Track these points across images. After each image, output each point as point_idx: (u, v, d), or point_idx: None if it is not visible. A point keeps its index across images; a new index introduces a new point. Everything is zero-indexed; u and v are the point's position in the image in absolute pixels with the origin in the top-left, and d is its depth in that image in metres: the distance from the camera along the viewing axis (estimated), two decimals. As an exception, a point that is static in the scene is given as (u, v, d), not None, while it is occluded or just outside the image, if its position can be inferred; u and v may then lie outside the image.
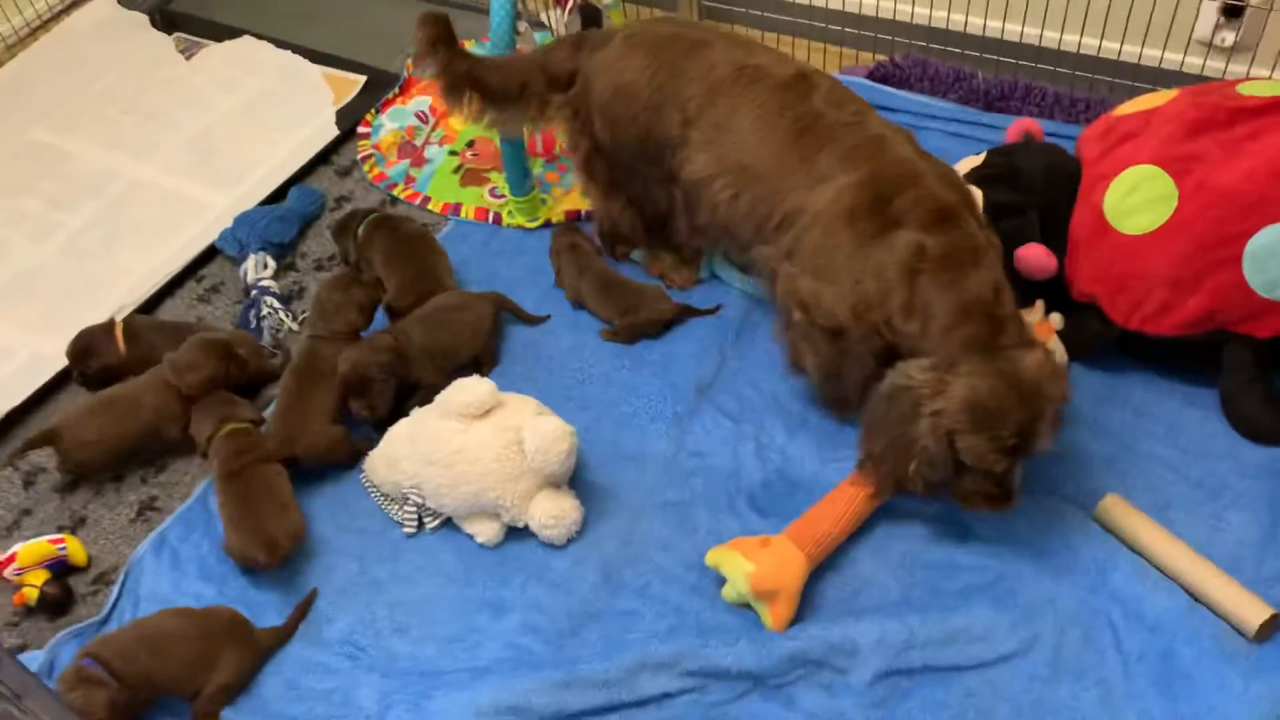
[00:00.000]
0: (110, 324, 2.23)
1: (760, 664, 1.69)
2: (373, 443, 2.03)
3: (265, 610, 1.88)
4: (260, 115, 2.92)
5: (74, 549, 1.98)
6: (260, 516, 1.88)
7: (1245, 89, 1.98)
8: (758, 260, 1.97)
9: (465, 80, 2.15)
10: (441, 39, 2.13)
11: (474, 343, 2.17)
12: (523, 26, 2.43)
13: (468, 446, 1.86)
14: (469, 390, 1.88)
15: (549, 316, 2.31)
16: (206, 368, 2.07)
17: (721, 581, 1.83)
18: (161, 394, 2.08)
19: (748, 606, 1.79)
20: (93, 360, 2.19)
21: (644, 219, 2.22)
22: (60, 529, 2.06)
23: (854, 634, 1.71)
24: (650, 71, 2.02)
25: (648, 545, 1.91)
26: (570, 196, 2.55)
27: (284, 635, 1.83)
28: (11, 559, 1.92)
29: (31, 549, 1.93)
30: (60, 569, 1.97)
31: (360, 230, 2.35)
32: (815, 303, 1.85)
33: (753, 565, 1.73)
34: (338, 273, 2.22)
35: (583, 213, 2.51)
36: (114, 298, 2.47)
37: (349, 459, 2.07)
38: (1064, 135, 2.38)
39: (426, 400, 2.02)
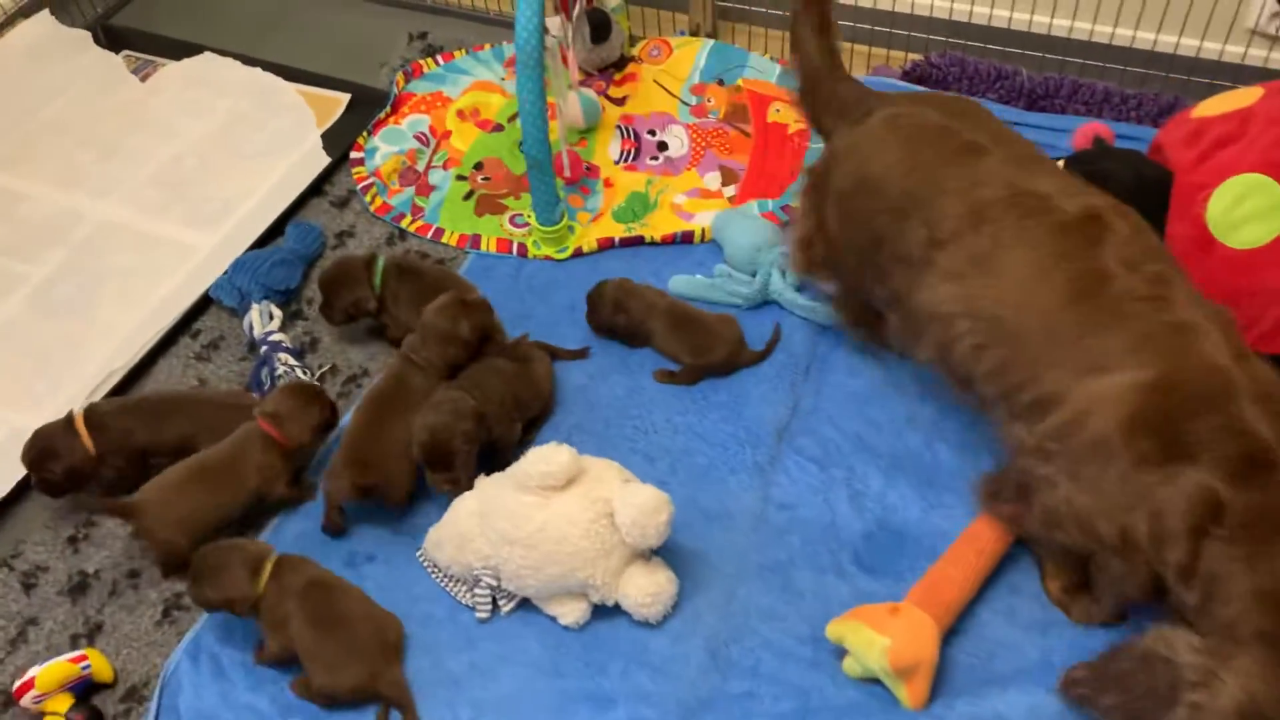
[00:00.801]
0: (69, 419, 1.94)
1: (906, 749, 1.55)
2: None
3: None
4: (236, 142, 2.65)
5: (99, 665, 1.74)
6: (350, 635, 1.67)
7: (1338, 86, 1.88)
8: (999, 429, 1.66)
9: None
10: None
11: (544, 394, 1.98)
12: (550, 41, 2.21)
13: (552, 523, 1.67)
14: (549, 459, 1.68)
15: (588, 350, 2.13)
16: (311, 414, 1.89)
17: (841, 653, 1.68)
18: (262, 451, 1.86)
19: (874, 681, 1.64)
20: (55, 464, 1.90)
21: (849, 312, 1.98)
22: (75, 639, 1.82)
23: (1001, 707, 1.57)
24: (904, 169, 1.70)
25: (750, 616, 1.74)
26: (600, 223, 2.36)
27: None
28: (29, 685, 1.68)
29: (51, 672, 1.69)
30: (84, 689, 1.73)
31: (378, 277, 2.12)
32: (1073, 514, 1.52)
33: (888, 639, 1.58)
34: (447, 297, 1.98)
35: (616, 240, 2.31)
36: (100, 359, 2.21)
37: (403, 503, 1.89)
38: (1131, 137, 2.26)
39: (506, 461, 1.82)
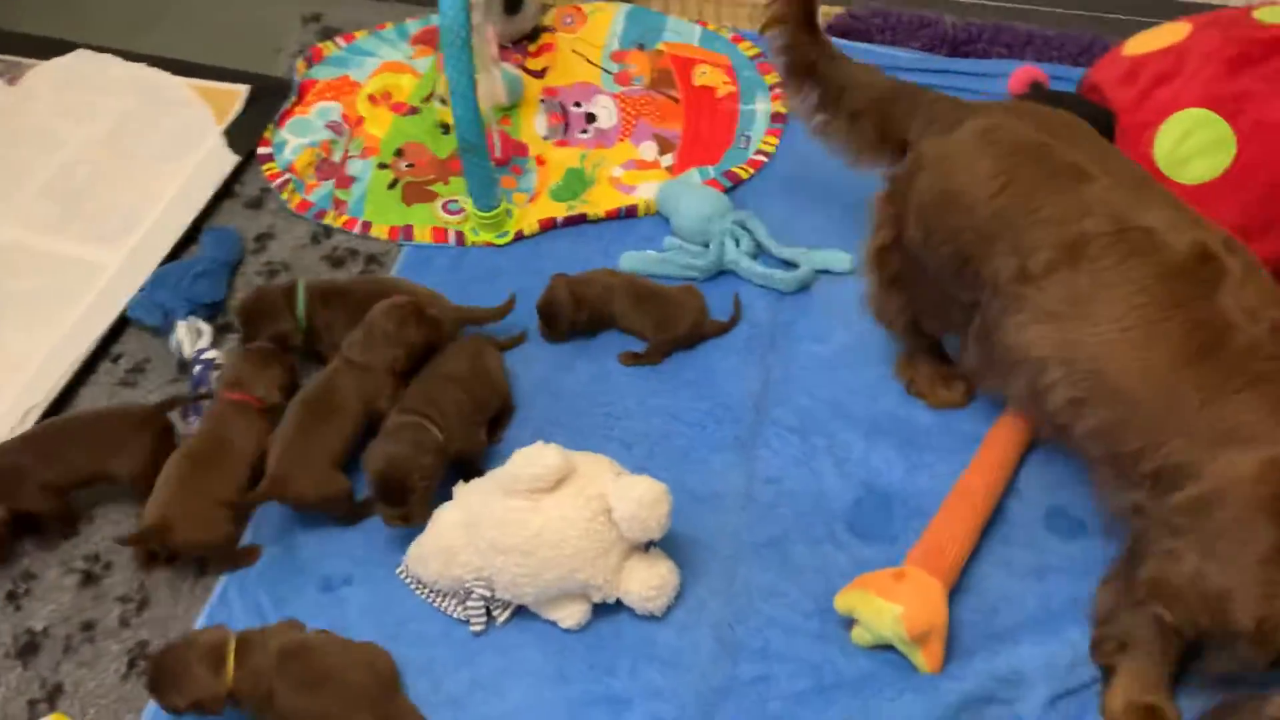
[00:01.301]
0: None
1: (929, 714, 1.54)
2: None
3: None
4: (128, 146, 2.46)
5: (67, 731, 1.61)
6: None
7: (1264, 16, 1.92)
8: (1103, 487, 1.55)
9: (809, 71, 1.83)
10: (797, 12, 1.80)
11: (502, 389, 1.89)
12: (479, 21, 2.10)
13: (548, 527, 1.60)
14: (538, 461, 1.61)
15: (524, 334, 2.05)
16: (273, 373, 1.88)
17: (848, 623, 1.67)
18: (244, 419, 1.83)
19: (884, 648, 1.64)
20: None
21: (918, 331, 1.83)
22: (33, 704, 1.68)
23: (1016, 661, 1.58)
24: (995, 187, 1.53)
25: (753, 596, 1.71)
26: (539, 203, 2.27)
27: None
28: (-6, 763, 1.54)
29: (18, 745, 1.55)
30: (54, 758, 1.60)
31: (301, 307, 1.98)
32: (1200, 593, 1.38)
33: (900, 605, 1.57)
34: (399, 299, 1.89)
35: (559, 220, 2.23)
36: (11, 395, 2.03)
37: (346, 518, 1.81)
38: (1060, 77, 2.28)
39: (476, 470, 1.74)
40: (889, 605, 1.58)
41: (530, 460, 1.61)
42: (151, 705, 1.64)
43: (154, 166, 2.41)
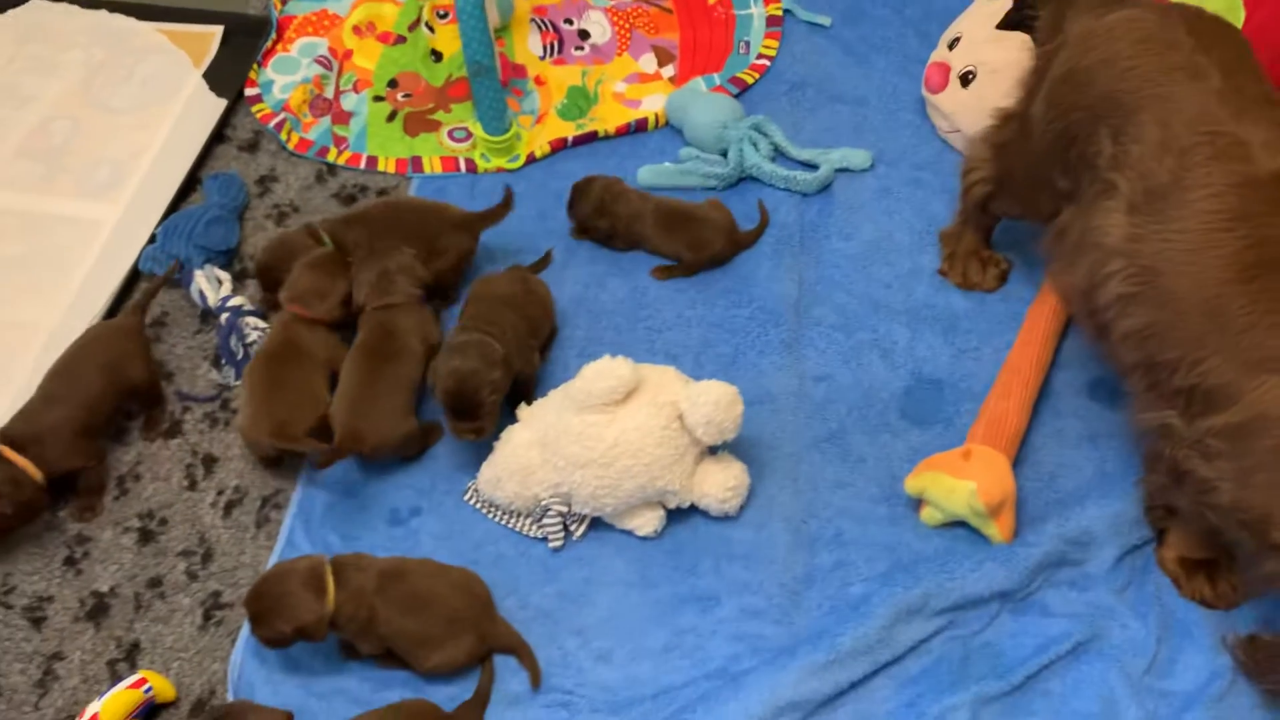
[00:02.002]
0: None
1: (1010, 581, 1.60)
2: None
3: (424, 691, 1.60)
4: (104, 98, 2.36)
5: (160, 686, 1.59)
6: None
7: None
8: (1135, 398, 1.54)
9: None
10: None
11: (551, 312, 1.89)
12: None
13: (625, 438, 1.62)
14: (610, 374, 1.61)
15: (550, 252, 2.05)
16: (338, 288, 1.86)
17: (915, 506, 1.72)
18: (311, 331, 1.84)
19: (956, 525, 1.69)
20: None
21: (987, 203, 1.85)
22: (113, 665, 1.65)
23: (1085, 522, 1.65)
24: (1116, 71, 1.52)
25: (820, 489, 1.76)
26: (547, 124, 2.24)
27: (480, 707, 1.55)
28: (93, 723, 1.52)
29: (115, 702, 1.54)
30: (147, 713, 1.59)
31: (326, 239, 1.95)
32: (1241, 516, 1.40)
33: (971, 481, 1.62)
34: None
35: (569, 140, 2.21)
36: (28, 363, 1.96)
37: (418, 454, 1.81)
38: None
39: (531, 393, 1.74)
40: (962, 482, 1.63)
41: (602, 374, 1.62)
42: (238, 653, 1.63)
43: (135, 116, 2.32)
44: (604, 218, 2.01)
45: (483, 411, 1.68)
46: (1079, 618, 1.60)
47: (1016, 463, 1.74)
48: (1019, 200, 1.80)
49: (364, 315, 1.85)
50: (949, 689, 1.54)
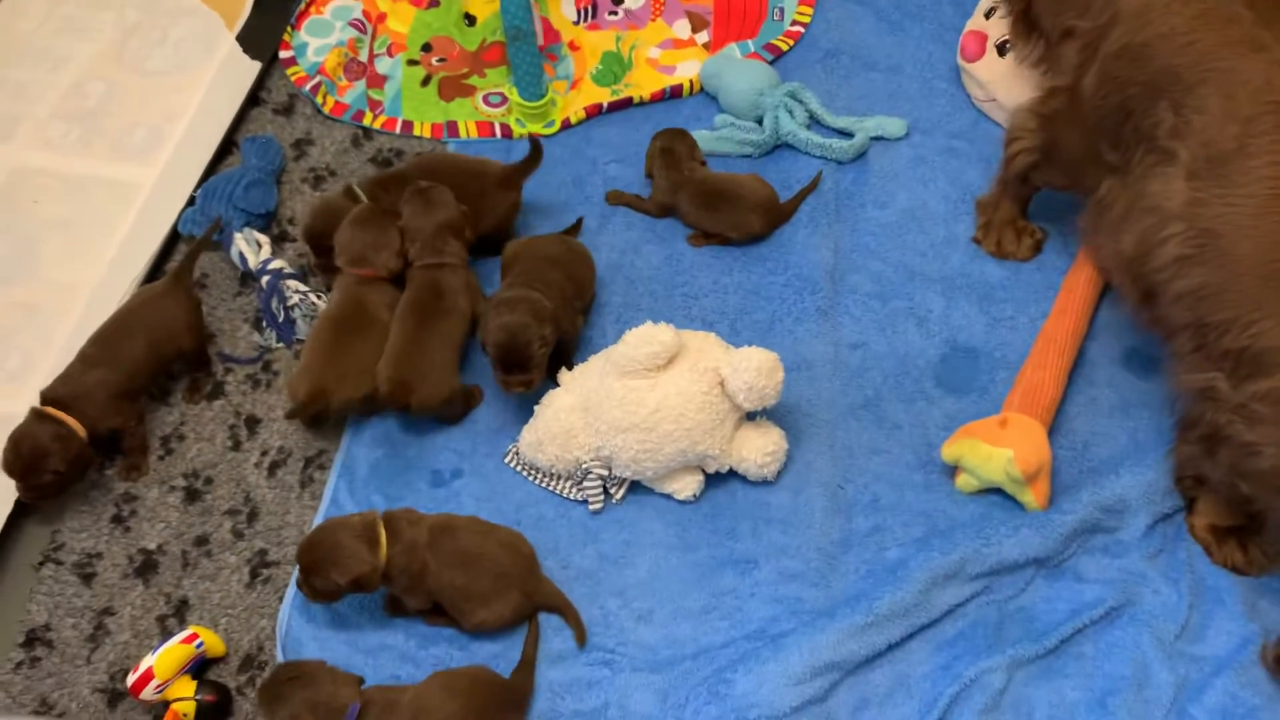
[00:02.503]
0: (38, 412, 1.75)
1: (1045, 547, 1.63)
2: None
3: (469, 648, 1.63)
4: (138, 59, 2.36)
5: (210, 641, 1.62)
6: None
7: None
8: (1178, 359, 1.56)
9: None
10: None
11: (593, 280, 1.90)
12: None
13: (666, 402, 1.64)
14: (653, 339, 1.63)
15: (580, 220, 2.06)
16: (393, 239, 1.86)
17: (950, 473, 1.74)
18: (375, 291, 1.85)
19: (991, 493, 1.72)
20: (50, 463, 1.71)
21: (1029, 174, 1.85)
22: (162, 620, 1.69)
23: (1120, 490, 1.67)
24: (1176, 45, 1.53)
25: (856, 455, 1.78)
26: (582, 89, 2.24)
27: (530, 670, 1.58)
28: (148, 676, 1.55)
29: (168, 657, 1.57)
30: (199, 667, 1.62)
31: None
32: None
33: (1009, 449, 1.64)
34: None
35: (604, 105, 2.21)
36: (70, 323, 1.98)
37: (461, 417, 1.83)
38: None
39: (570, 356, 1.77)
40: (999, 450, 1.65)
41: (645, 339, 1.64)
42: (285, 610, 1.67)
43: (170, 79, 2.32)
44: (652, 160, 2.03)
45: (532, 364, 1.70)
46: (1112, 583, 1.63)
47: (1051, 431, 1.75)
48: (1064, 171, 1.81)
49: (412, 272, 1.86)
50: (984, 652, 1.57)
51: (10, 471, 1.72)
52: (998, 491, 1.71)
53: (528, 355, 1.69)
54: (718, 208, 1.98)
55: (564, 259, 1.85)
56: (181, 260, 1.94)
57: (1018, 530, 1.64)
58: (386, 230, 1.86)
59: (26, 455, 1.71)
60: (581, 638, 1.60)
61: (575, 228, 2.05)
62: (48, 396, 1.77)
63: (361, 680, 1.53)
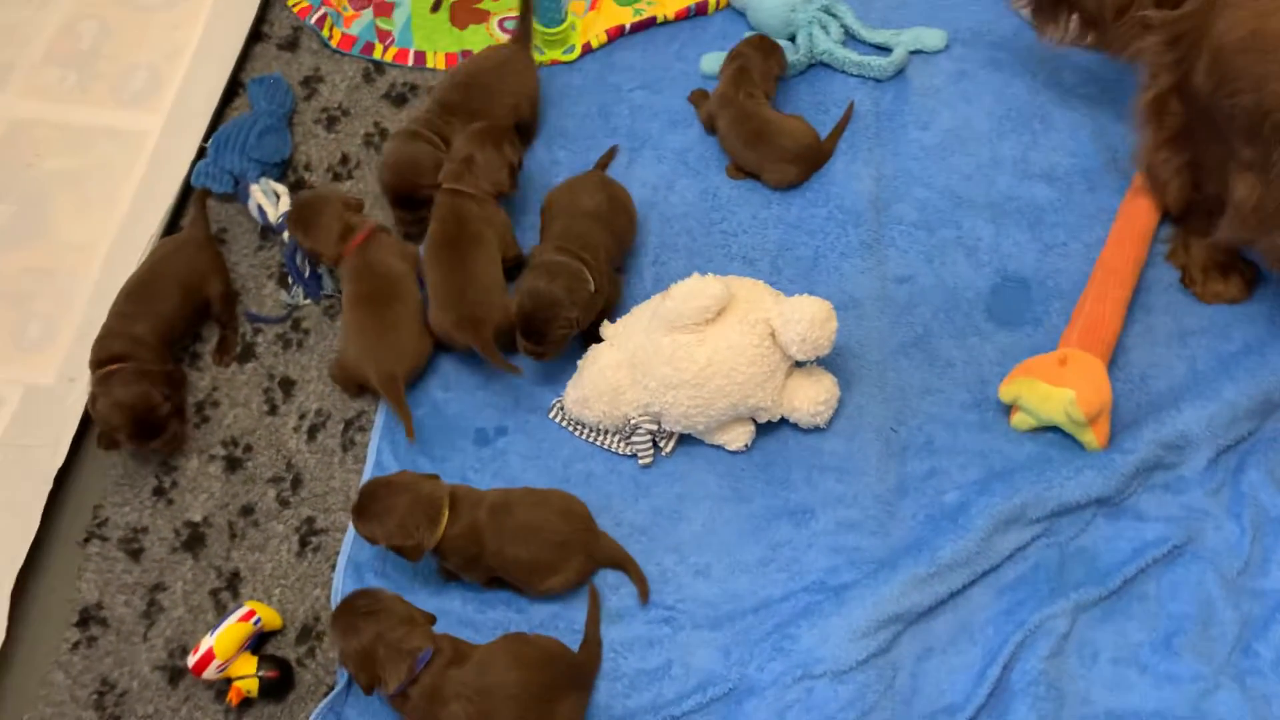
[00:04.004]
0: (139, 369, 1.73)
1: (1107, 487, 1.60)
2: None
3: (527, 611, 1.62)
4: (130, -2, 2.24)
5: (267, 616, 1.61)
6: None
7: None
8: None
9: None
10: None
11: (635, 225, 1.84)
12: None
13: (717, 357, 1.59)
14: (702, 293, 1.57)
15: (615, 148, 1.98)
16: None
17: (1006, 412, 1.71)
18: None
19: (1048, 430, 1.68)
20: (160, 408, 1.73)
21: (1194, 192, 1.69)
22: (215, 594, 1.68)
23: (1182, 426, 1.63)
24: None
25: (909, 396, 1.74)
26: (602, 11, 2.12)
27: (597, 648, 1.57)
28: (209, 657, 1.54)
29: (228, 636, 1.56)
30: (257, 642, 1.62)
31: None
32: None
33: (1070, 390, 1.60)
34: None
35: (627, 27, 2.10)
36: (88, 283, 1.92)
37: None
38: None
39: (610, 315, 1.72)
40: (1059, 390, 1.61)
41: (694, 293, 1.58)
42: (339, 578, 1.65)
43: (166, 14, 2.21)
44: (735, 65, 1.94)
45: (548, 341, 1.66)
46: (1174, 521, 1.60)
47: (1108, 364, 1.71)
48: (1222, 178, 1.62)
49: (437, 198, 1.79)
50: (1047, 596, 1.56)
51: (136, 436, 1.70)
52: (1054, 429, 1.68)
53: (546, 331, 1.64)
54: (755, 147, 1.89)
55: (605, 212, 1.77)
56: (192, 213, 1.88)
57: (1079, 471, 1.60)
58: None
59: (141, 410, 1.68)
60: (645, 592, 1.59)
61: (607, 158, 1.96)
62: (102, 357, 1.73)
63: (434, 619, 1.52)
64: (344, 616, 1.48)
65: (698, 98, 1.99)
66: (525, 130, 1.96)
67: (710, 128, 1.96)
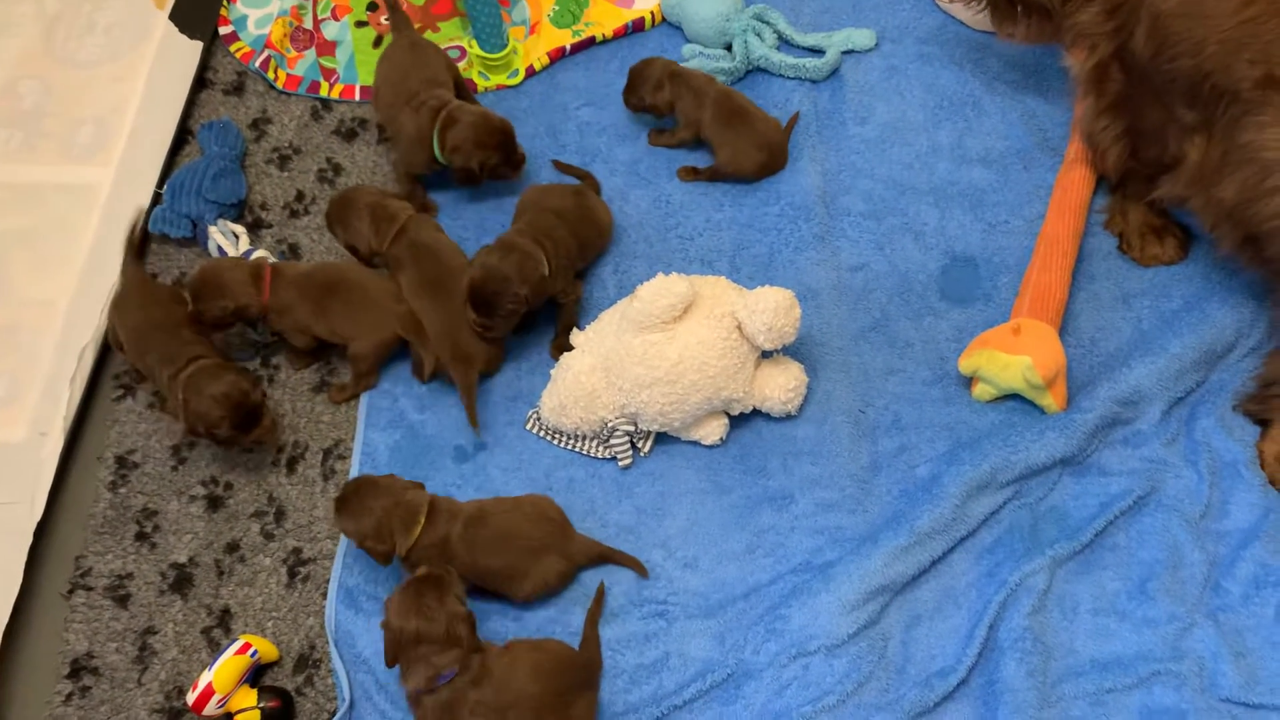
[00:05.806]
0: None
1: (1070, 446, 1.67)
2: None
3: (523, 619, 1.64)
4: (68, 51, 2.25)
5: (264, 649, 1.62)
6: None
7: None
8: None
9: None
10: None
11: (605, 229, 1.90)
12: None
13: (688, 353, 1.63)
14: (667, 291, 1.62)
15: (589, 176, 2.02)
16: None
17: (966, 385, 1.77)
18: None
19: (1008, 399, 1.75)
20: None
21: (1132, 159, 1.76)
22: (208, 632, 1.68)
23: (1134, 381, 1.70)
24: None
25: (873, 378, 1.80)
26: (542, 34, 2.18)
27: (596, 646, 1.59)
28: (209, 693, 1.54)
29: (226, 670, 1.56)
30: (255, 675, 1.62)
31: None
32: None
33: (1026, 356, 1.67)
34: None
35: (568, 48, 2.15)
36: (53, 339, 1.92)
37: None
38: None
39: (570, 318, 1.78)
40: (1016, 358, 1.68)
41: (660, 292, 1.63)
42: (331, 605, 1.66)
43: (107, 69, 2.22)
44: (660, 91, 1.96)
45: (497, 315, 1.71)
46: (1136, 473, 1.68)
47: (1059, 331, 1.78)
48: (1158, 144, 1.70)
49: (393, 247, 1.82)
50: (1024, 555, 1.61)
51: (238, 426, 1.70)
52: (1014, 397, 1.74)
53: (495, 304, 1.70)
54: (734, 125, 1.94)
55: (572, 215, 1.82)
56: (124, 259, 1.88)
57: (1042, 434, 1.67)
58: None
59: (237, 397, 1.69)
60: (642, 571, 1.64)
61: (593, 184, 1.99)
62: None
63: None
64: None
65: (655, 138, 2.04)
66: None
67: (696, 136, 1.99)
